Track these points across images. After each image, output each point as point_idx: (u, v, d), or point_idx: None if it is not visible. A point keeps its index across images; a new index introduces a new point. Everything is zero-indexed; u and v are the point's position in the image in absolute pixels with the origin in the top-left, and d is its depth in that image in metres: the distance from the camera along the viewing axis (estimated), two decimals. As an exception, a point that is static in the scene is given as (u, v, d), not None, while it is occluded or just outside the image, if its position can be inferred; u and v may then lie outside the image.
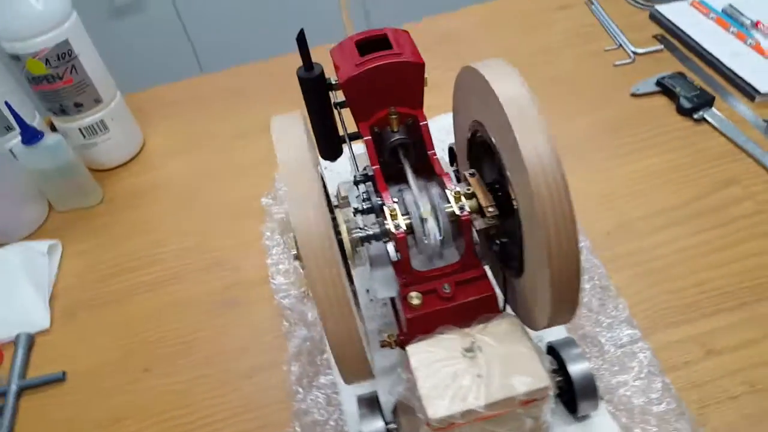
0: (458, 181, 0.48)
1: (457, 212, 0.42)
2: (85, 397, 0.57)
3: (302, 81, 0.51)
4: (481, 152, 0.46)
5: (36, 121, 0.75)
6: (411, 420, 0.40)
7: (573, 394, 0.45)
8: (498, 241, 0.43)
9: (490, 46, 0.88)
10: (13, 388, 0.58)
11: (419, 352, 0.40)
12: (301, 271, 0.42)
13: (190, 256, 0.68)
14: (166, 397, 0.56)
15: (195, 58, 1.55)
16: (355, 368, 0.38)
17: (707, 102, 0.73)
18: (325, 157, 0.55)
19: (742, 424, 0.47)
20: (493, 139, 0.40)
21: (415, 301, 0.43)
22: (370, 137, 0.48)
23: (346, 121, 0.53)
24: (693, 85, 0.75)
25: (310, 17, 1.48)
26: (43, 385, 0.58)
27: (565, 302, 0.37)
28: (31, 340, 0.62)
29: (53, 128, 0.79)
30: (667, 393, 0.49)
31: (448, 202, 0.43)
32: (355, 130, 0.53)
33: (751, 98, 0.74)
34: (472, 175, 0.44)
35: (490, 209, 0.41)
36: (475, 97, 0.42)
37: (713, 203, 0.63)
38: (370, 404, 0.45)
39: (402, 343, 0.46)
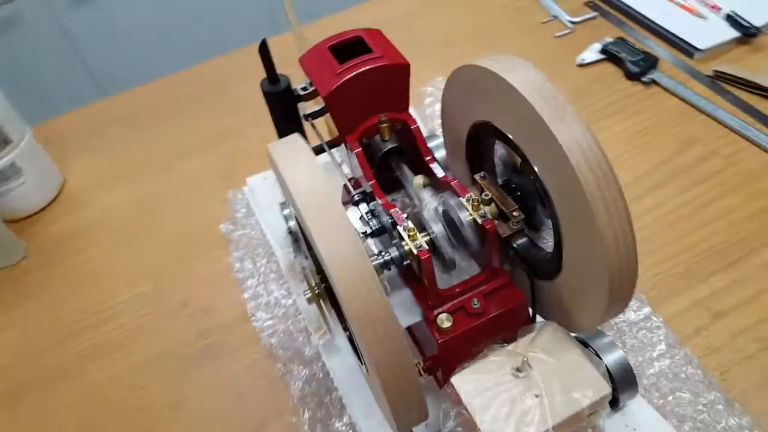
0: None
1: (479, 220, 0.38)
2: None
3: (268, 96, 0.45)
4: (484, 154, 0.42)
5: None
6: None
7: (613, 387, 0.43)
8: (515, 245, 0.40)
9: (431, 29, 0.84)
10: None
11: (467, 382, 0.36)
12: (318, 312, 0.36)
13: (149, 304, 0.60)
14: (157, 476, 0.49)
15: (89, 75, 1.40)
16: (414, 418, 0.33)
17: (652, 64, 0.74)
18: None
19: (766, 382, 0.48)
20: (510, 137, 0.37)
21: (446, 324, 0.39)
22: (360, 149, 0.43)
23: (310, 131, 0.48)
24: (635, 49, 0.76)
25: (214, 18, 1.37)
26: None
27: (621, 299, 0.35)
28: (-29, 437, 0.52)
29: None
30: (690, 365, 0.48)
31: (465, 210, 0.39)
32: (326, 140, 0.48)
33: (690, 55, 0.76)
34: (483, 177, 0.40)
35: (515, 213, 0.38)
36: (479, 96, 0.38)
37: (682, 164, 0.64)
38: (410, 443, 0.41)
39: (429, 369, 0.42)
